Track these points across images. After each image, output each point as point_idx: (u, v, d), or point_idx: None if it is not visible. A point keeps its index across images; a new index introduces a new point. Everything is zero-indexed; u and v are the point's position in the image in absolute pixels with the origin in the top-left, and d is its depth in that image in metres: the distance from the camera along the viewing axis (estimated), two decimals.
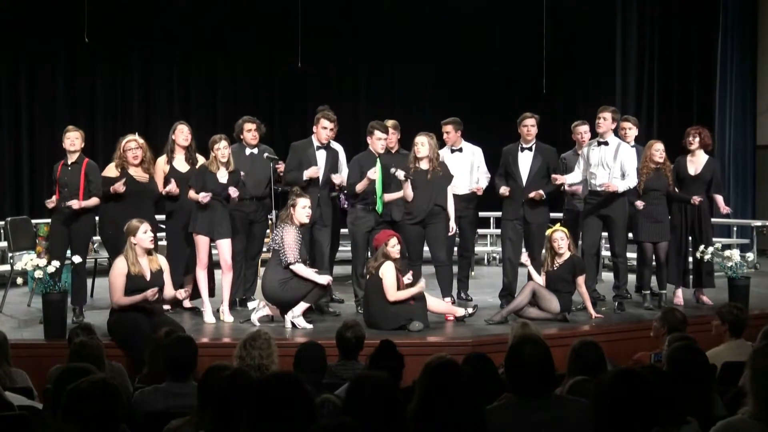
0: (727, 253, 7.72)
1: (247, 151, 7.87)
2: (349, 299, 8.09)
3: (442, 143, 8.10)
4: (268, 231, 8.22)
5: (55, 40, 12.55)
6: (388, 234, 7.20)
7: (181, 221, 7.54)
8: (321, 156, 7.77)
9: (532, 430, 3.18)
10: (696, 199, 7.81)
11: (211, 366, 3.78)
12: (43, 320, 6.85)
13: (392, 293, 6.98)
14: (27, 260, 6.91)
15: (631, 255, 8.33)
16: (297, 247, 6.95)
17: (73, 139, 7.41)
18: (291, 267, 6.91)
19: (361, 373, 4.19)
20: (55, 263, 6.82)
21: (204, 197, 7.09)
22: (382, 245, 7.10)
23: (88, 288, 8.08)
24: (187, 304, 7.51)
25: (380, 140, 7.66)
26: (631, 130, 8.18)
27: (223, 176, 7.26)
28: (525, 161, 7.85)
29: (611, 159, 7.73)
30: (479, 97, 13.76)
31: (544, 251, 7.70)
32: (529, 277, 7.49)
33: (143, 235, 6.54)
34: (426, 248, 7.79)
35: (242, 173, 7.49)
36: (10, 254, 8.82)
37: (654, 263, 7.99)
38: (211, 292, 7.60)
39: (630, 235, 8.08)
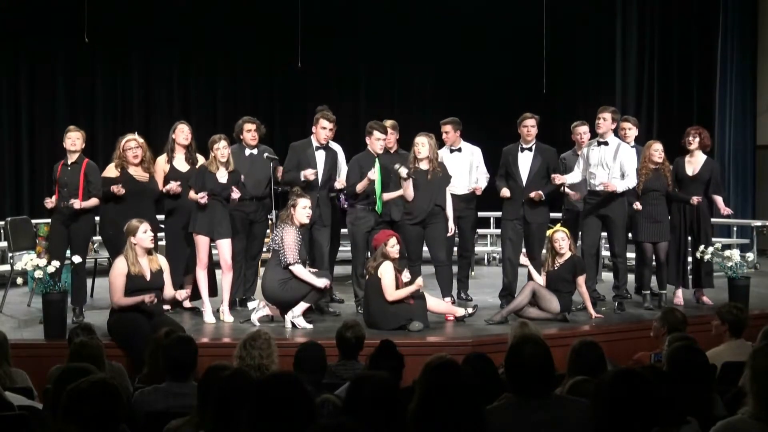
0: (727, 253, 7.72)
1: (247, 151, 7.87)
2: (349, 299, 8.09)
3: (441, 143, 8.10)
4: (268, 231, 8.22)
5: (55, 40, 12.56)
6: (388, 234, 7.20)
7: (181, 220, 7.54)
8: (320, 156, 7.77)
9: (532, 430, 3.18)
10: (695, 200, 7.82)
11: (211, 366, 3.77)
12: (43, 320, 6.85)
13: (390, 293, 6.98)
14: (27, 260, 6.90)
15: (631, 255, 8.33)
16: (297, 247, 6.95)
17: (74, 139, 7.41)
18: (290, 268, 6.91)
19: (361, 373, 4.20)
20: (55, 263, 6.81)
21: (201, 197, 7.09)
22: (382, 245, 7.10)
23: (88, 288, 8.08)
24: (187, 304, 7.51)
25: (379, 140, 7.67)
26: (631, 131, 8.18)
27: (222, 176, 7.26)
28: (525, 161, 7.86)
29: (611, 159, 7.73)
30: (479, 97, 13.77)
31: (544, 251, 7.72)
32: (529, 277, 7.49)
33: (143, 234, 6.53)
34: (425, 248, 7.79)
35: (242, 176, 7.49)
36: (10, 254, 8.82)
37: (654, 263, 7.99)
38: (213, 292, 7.60)
39: (630, 235, 8.08)
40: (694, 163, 8.02)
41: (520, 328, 5.23)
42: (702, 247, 7.81)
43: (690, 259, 8.23)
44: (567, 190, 8.11)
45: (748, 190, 11.96)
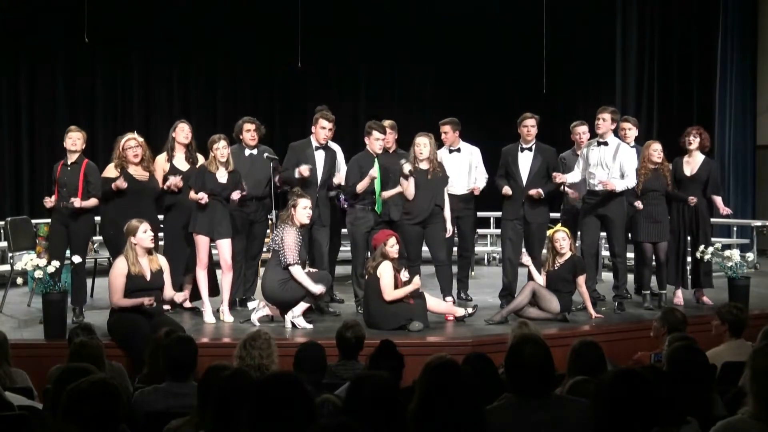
0: (726, 253, 7.73)
1: (247, 151, 7.87)
2: (349, 299, 8.09)
3: (440, 143, 8.11)
4: (268, 231, 8.23)
5: (55, 40, 12.56)
6: (387, 234, 7.20)
7: (180, 218, 7.54)
8: (319, 156, 7.78)
9: (532, 430, 3.18)
10: (692, 200, 7.82)
11: (211, 366, 3.77)
12: (43, 320, 6.85)
13: (389, 292, 6.98)
14: (27, 260, 6.90)
15: (631, 255, 8.33)
16: (297, 248, 6.95)
17: (75, 139, 7.41)
18: (289, 268, 6.91)
19: (361, 373, 4.19)
20: (55, 263, 6.81)
21: (201, 198, 7.09)
22: (381, 245, 7.11)
23: (88, 288, 8.08)
24: (187, 304, 7.51)
25: (378, 140, 7.67)
26: (631, 131, 8.17)
27: (222, 176, 7.26)
28: (525, 161, 7.86)
29: (610, 159, 7.73)
30: (479, 97, 13.77)
31: (545, 251, 7.72)
32: (530, 277, 7.49)
33: (143, 234, 6.53)
34: (425, 248, 7.79)
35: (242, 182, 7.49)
36: (10, 254, 8.82)
37: (653, 263, 7.99)
38: (214, 292, 7.60)
39: (630, 235, 8.08)
40: (692, 163, 8.02)
41: (520, 328, 5.23)
42: (702, 247, 7.80)
43: (689, 259, 8.24)
44: (567, 189, 8.12)
45: (748, 190, 11.96)
